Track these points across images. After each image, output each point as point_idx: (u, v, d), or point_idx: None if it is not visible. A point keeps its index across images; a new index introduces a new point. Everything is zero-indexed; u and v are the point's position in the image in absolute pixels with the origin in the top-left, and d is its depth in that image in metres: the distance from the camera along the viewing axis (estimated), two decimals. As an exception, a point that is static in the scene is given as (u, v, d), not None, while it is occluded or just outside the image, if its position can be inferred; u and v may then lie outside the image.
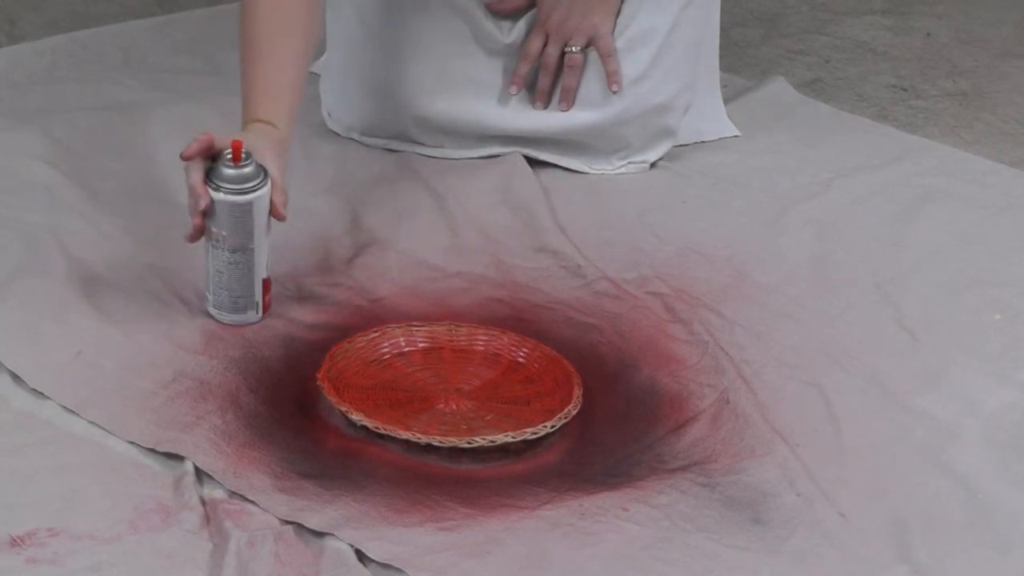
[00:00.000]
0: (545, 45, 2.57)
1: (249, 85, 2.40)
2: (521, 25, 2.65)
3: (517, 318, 2.29)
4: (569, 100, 2.56)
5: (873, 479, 2.05)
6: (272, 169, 2.29)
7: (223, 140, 2.24)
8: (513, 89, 2.59)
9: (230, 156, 2.18)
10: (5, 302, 2.25)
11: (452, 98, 2.61)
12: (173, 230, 2.33)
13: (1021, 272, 2.44)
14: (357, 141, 2.62)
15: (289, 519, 1.93)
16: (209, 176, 2.19)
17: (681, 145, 2.65)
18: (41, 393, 2.11)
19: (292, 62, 2.42)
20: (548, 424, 2.07)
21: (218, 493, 1.98)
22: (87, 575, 1.86)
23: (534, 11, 2.63)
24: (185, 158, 2.22)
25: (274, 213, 2.31)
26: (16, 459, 2.02)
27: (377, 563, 1.87)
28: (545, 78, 2.58)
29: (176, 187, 2.39)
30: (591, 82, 2.62)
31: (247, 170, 2.19)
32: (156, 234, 2.39)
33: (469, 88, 2.62)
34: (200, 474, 2.00)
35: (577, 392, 2.13)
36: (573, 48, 2.56)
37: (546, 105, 2.59)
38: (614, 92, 2.58)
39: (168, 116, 2.64)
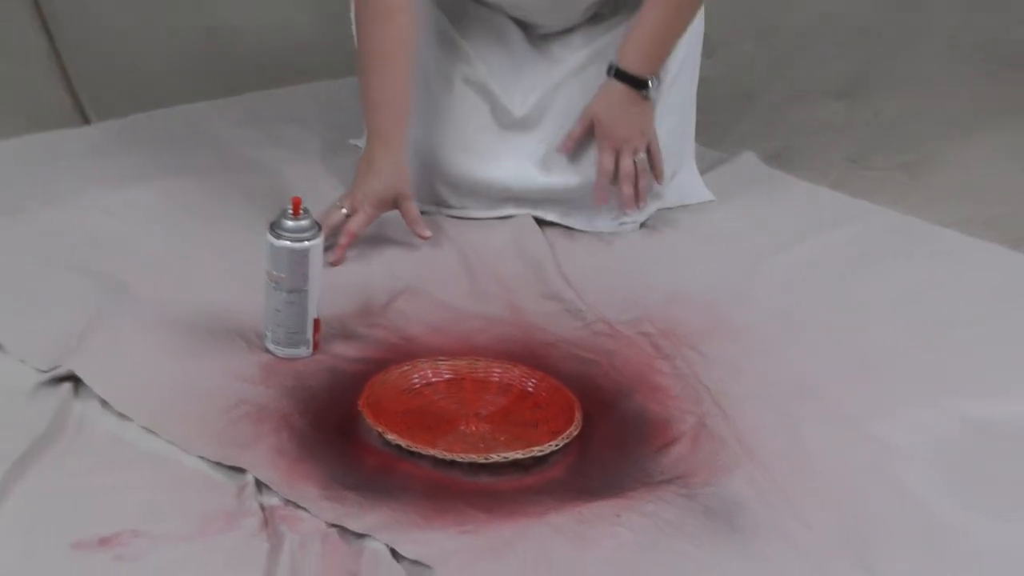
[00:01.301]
0: (615, 157, 2.54)
1: (371, 107, 2.51)
2: (530, 101, 2.63)
3: (528, 353, 2.29)
4: (644, 198, 2.57)
5: (833, 494, 2.06)
6: (408, 191, 2.46)
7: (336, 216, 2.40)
8: (600, 202, 2.56)
9: (291, 210, 2.21)
10: (94, 339, 2.23)
11: (474, 163, 2.60)
12: (235, 279, 2.37)
13: (960, 316, 2.43)
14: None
15: (334, 523, 1.94)
16: (273, 227, 2.22)
17: (666, 208, 2.66)
18: (125, 416, 2.12)
19: (401, 76, 2.50)
20: (553, 444, 2.08)
21: (274, 501, 1.99)
22: (163, 570, 1.88)
23: (544, 90, 2.63)
24: (359, 229, 2.41)
25: (413, 226, 2.49)
26: (104, 473, 2.03)
27: (409, 560, 1.89)
28: (629, 186, 2.54)
29: (237, 241, 2.43)
30: (593, 148, 2.60)
31: (304, 222, 2.21)
32: (221, 282, 2.39)
33: (488, 155, 2.60)
34: (259, 485, 2.01)
35: (578, 416, 2.14)
36: (638, 157, 2.54)
37: (636, 207, 2.58)
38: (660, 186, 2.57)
39: (231, 181, 2.62)
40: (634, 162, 2.53)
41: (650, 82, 2.50)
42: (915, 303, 2.45)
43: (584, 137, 2.56)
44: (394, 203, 2.48)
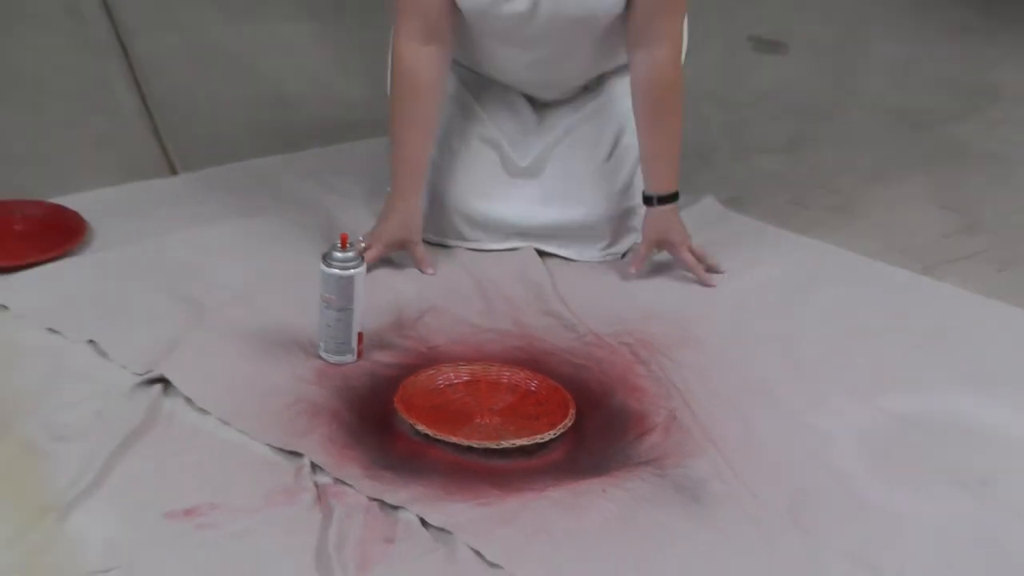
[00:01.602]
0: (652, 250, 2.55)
1: (397, 163, 2.50)
2: (532, 155, 2.60)
3: (531, 360, 2.29)
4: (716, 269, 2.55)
5: (776, 472, 2.07)
6: (415, 238, 2.49)
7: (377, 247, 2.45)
8: (633, 270, 2.54)
9: (339, 244, 2.22)
10: (180, 349, 2.25)
11: (487, 205, 2.58)
12: (295, 300, 2.36)
13: (879, 328, 2.43)
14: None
15: (374, 497, 1.96)
16: (325, 258, 2.22)
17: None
18: (204, 411, 2.13)
19: (423, 136, 2.50)
20: (551, 433, 2.10)
21: (325, 479, 2.00)
22: (236, 536, 1.89)
23: (543, 146, 2.60)
24: (373, 259, 2.41)
25: (420, 264, 2.51)
26: (187, 457, 2.05)
27: (435, 528, 1.91)
28: (701, 271, 2.52)
29: (297, 269, 2.43)
30: (584, 187, 2.59)
31: (350, 254, 2.22)
32: (284, 302, 2.39)
33: (498, 198, 2.58)
34: (313, 466, 2.02)
35: (572, 411, 2.15)
36: (694, 247, 2.53)
37: (713, 283, 2.53)
38: (713, 283, 2.54)
39: (292, 220, 2.63)
40: (691, 250, 2.52)
41: (679, 193, 2.50)
42: (843, 318, 2.45)
43: (649, 256, 2.54)
44: (402, 245, 2.48)
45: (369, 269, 2.29)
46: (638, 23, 2.41)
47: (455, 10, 2.41)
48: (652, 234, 2.52)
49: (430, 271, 2.49)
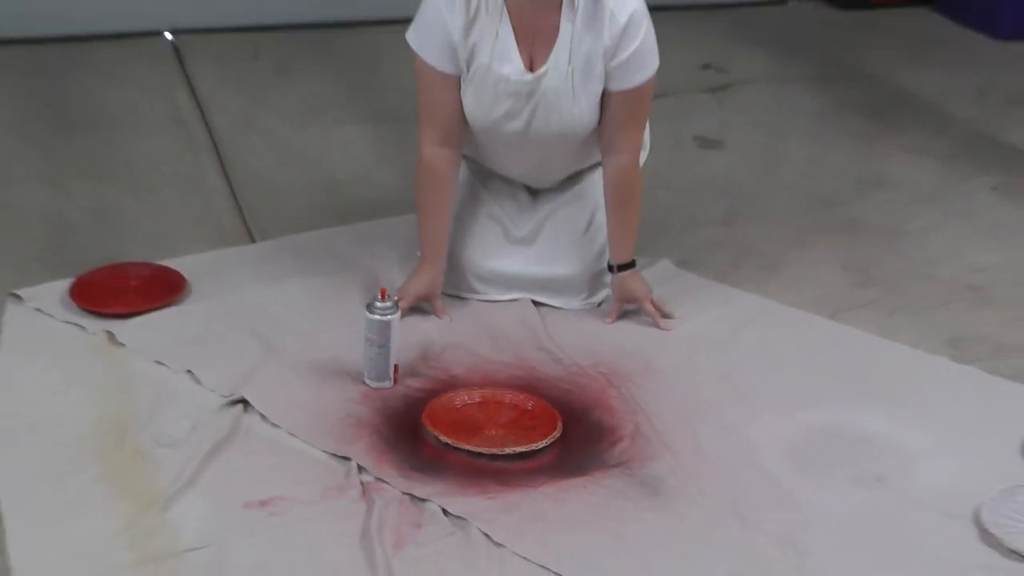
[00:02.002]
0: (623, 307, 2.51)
1: (423, 236, 2.48)
2: (527, 228, 2.56)
3: (528, 386, 2.28)
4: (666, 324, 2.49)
5: (718, 473, 2.07)
6: (436, 292, 2.47)
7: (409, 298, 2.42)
8: (608, 321, 2.49)
9: (380, 296, 2.22)
10: (257, 377, 2.24)
11: (492, 264, 2.54)
12: (347, 339, 2.33)
13: (795, 359, 2.40)
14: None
15: (407, 492, 1.98)
16: (368, 307, 2.22)
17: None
18: (276, 425, 2.13)
19: (443, 216, 2.47)
20: (544, 442, 2.11)
21: (368, 478, 2.02)
22: (299, 522, 1.90)
23: (536, 221, 2.56)
24: (405, 308, 2.35)
25: (438, 313, 2.47)
26: (261, 459, 2.06)
27: (453, 516, 1.91)
28: (659, 317, 2.48)
29: (348, 316, 2.40)
30: (568, 253, 2.54)
31: (388, 304, 2.23)
32: (338, 341, 2.36)
33: (500, 259, 2.54)
34: (359, 468, 2.04)
35: (559, 425, 2.15)
36: (654, 299, 2.50)
37: (668, 327, 2.48)
38: (668, 327, 2.49)
39: (344, 278, 2.59)
40: (646, 306, 2.49)
41: (636, 261, 2.50)
42: (768, 352, 2.44)
43: (620, 311, 2.51)
44: (426, 298, 2.47)
45: (402, 316, 2.28)
46: (607, 136, 2.41)
47: (466, 122, 2.41)
48: (620, 294, 2.50)
49: (446, 318, 2.47)
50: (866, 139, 3.48)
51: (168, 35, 4.01)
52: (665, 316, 2.50)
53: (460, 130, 2.43)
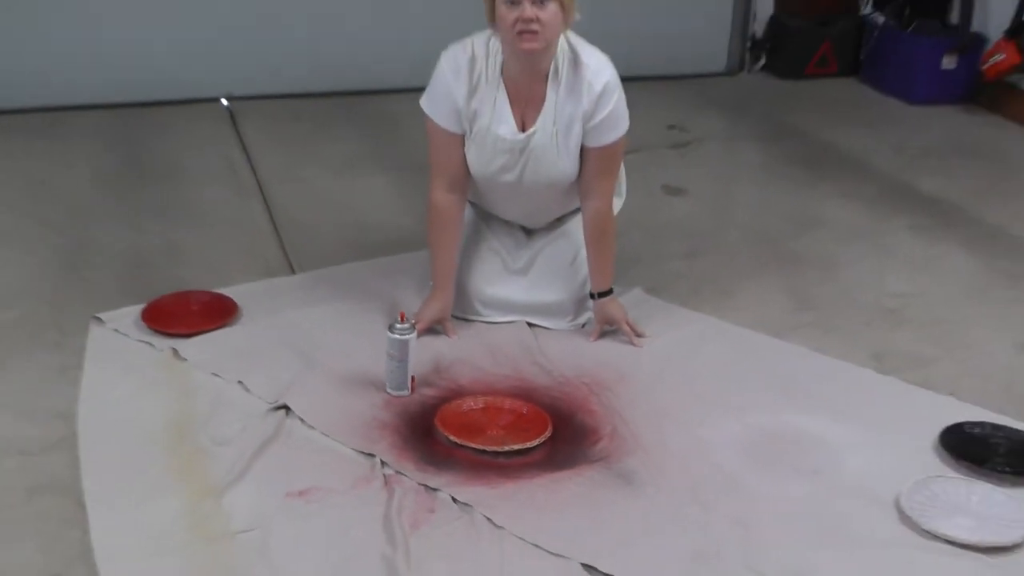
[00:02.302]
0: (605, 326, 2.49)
1: (435, 269, 2.46)
2: (523, 260, 2.54)
3: (523, 394, 2.27)
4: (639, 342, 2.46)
5: (682, 466, 2.07)
6: (447, 316, 2.44)
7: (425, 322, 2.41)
8: (592, 339, 2.47)
9: (399, 319, 2.22)
10: (297, 386, 2.24)
11: (493, 291, 2.51)
12: (372, 355, 2.33)
13: (745, 370, 2.38)
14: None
15: (422, 483, 1.97)
16: (389, 328, 2.22)
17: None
18: (313, 427, 2.12)
19: (452, 252, 2.46)
20: (537, 441, 2.11)
21: (390, 471, 2.02)
22: (332, 508, 1.90)
23: (530, 254, 2.54)
24: (420, 329, 2.34)
25: (447, 333, 2.45)
26: (300, 456, 2.05)
27: (461, 503, 1.91)
28: (633, 335, 2.46)
29: (374, 335, 2.38)
30: (557, 282, 2.51)
31: (406, 326, 2.22)
32: (365, 356, 2.35)
33: (500, 287, 2.52)
34: (382, 463, 2.03)
35: (550, 427, 2.15)
36: (629, 321, 2.48)
37: (640, 344, 2.45)
38: (640, 344, 2.45)
39: (371, 303, 2.57)
40: (624, 328, 2.47)
41: (613, 289, 2.49)
42: (723, 365, 2.43)
43: (601, 331, 2.48)
44: (438, 321, 2.46)
45: (418, 336, 2.28)
46: (585, 185, 2.40)
47: (470, 173, 2.42)
48: (600, 317, 2.48)
49: (455, 337, 2.46)
50: (804, 186, 3.48)
51: (224, 101, 4.04)
52: (638, 335, 2.50)
53: (465, 179, 2.44)
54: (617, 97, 2.33)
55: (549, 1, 2.16)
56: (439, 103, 2.34)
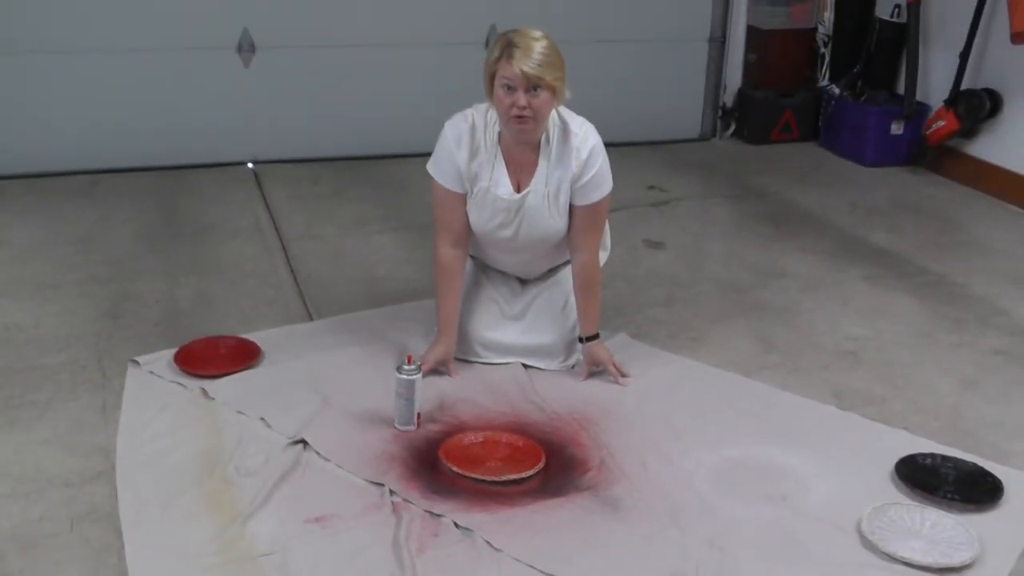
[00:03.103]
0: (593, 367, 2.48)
1: (439, 316, 2.45)
2: (518, 308, 2.54)
3: (519, 429, 2.26)
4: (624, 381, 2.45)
5: (663, 494, 2.06)
6: (450, 358, 2.41)
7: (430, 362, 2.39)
8: (581, 379, 2.45)
9: (407, 361, 2.22)
10: (315, 422, 2.24)
11: (491, 335, 2.50)
12: (383, 394, 2.32)
13: (718, 407, 2.37)
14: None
15: (427, 509, 1.97)
16: (398, 369, 2.22)
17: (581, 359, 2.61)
18: (328, 459, 2.12)
19: (455, 301, 2.44)
20: (531, 471, 2.10)
21: (398, 499, 2.02)
22: (348, 532, 1.90)
23: (525, 302, 2.54)
24: (426, 370, 2.34)
25: (450, 373, 2.42)
26: (317, 485, 2.03)
27: (462, 528, 1.90)
28: (618, 375, 2.45)
29: (385, 376, 2.38)
30: (549, 327, 2.50)
31: (413, 367, 2.22)
32: (376, 395, 2.34)
33: (498, 332, 2.51)
34: (391, 491, 2.02)
35: (543, 458, 2.14)
36: (615, 363, 2.47)
37: (624, 383, 2.44)
38: (625, 384, 2.44)
39: (381, 347, 2.56)
40: (608, 369, 2.47)
41: (600, 334, 2.49)
42: (698, 402, 2.42)
43: (589, 372, 2.47)
44: (442, 363, 2.45)
45: (424, 377, 2.28)
46: (573, 239, 2.42)
47: (471, 230, 2.44)
48: (588, 358, 2.48)
49: (457, 377, 2.46)
50: (769, 241, 3.50)
51: (250, 165, 4.06)
52: (623, 376, 2.50)
53: (467, 236, 2.46)
54: (602, 161, 2.36)
55: (542, 90, 2.20)
56: (443, 167, 2.37)
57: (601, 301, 2.52)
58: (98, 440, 2.15)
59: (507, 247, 2.46)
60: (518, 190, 2.37)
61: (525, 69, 2.15)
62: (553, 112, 2.32)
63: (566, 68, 2.23)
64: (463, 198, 2.39)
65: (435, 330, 2.51)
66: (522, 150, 2.34)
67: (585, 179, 2.34)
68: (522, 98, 2.19)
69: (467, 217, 2.41)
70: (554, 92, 2.22)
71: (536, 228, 2.39)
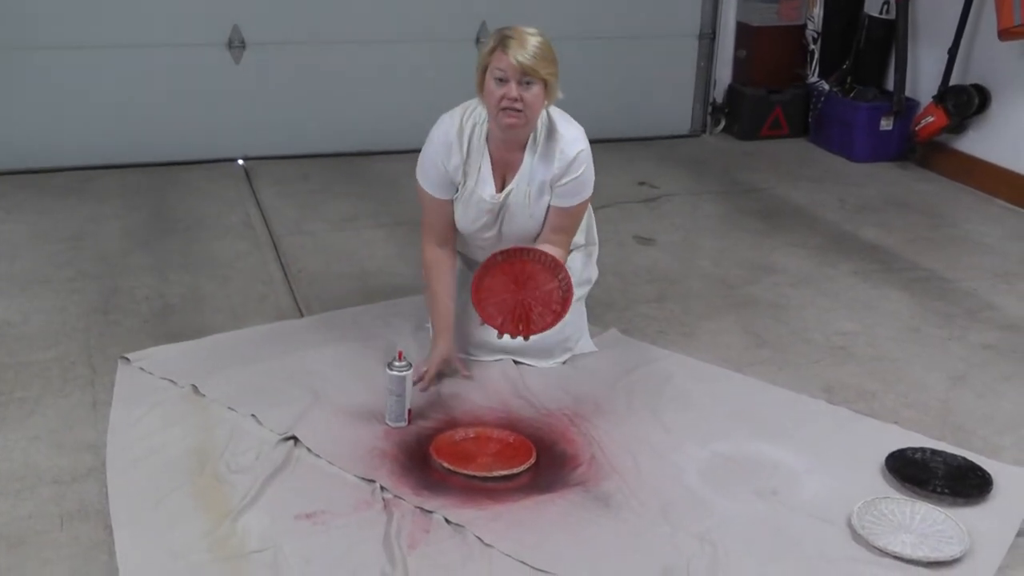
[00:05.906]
0: None
1: (433, 316, 2.44)
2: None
3: (509, 425, 2.26)
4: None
5: (654, 489, 2.07)
6: (453, 357, 2.38)
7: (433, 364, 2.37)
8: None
9: (397, 357, 2.21)
10: (306, 419, 2.23)
11: (483, 335, 2.47)
12: (373, 390, 2.33)
13: (709, 402, 2.38)
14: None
15: (418, 506, 1.97)
16: (388, 365, 2.21)
17: (575, 355, 2.55)
18: (319, 456, 2.11)
19: (447, 299, 2.42)
20: (522, 467, 2.10)
21: (389, 496, 2.01)
22: (339, 528, 1.89)
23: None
24: (430, 379, 2.35)
25: (461, 371, 2.40)
26: (308, 482, 2.02)
27: (454, 524, 1.90)
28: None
29: (374, 373, 2.39)
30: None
31: (403, 363, 2.22)
32: (367, 391, 2.34)
33: (489, 330, 2.44)
34: (382, 488, 2.01)
35: (534, 454, 2.14)
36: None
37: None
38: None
39: (371, 344, 2.56)
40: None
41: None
42: (689, 397, 2.43)
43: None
44: (446, 365, 2.43)
45: (430, 385, 2.31)
46: (543, 236, 2.40)
47: (456, 229, 2.44)
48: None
49: (467, 374, 2.43)
50: (759, 236, 3.51)
51: (240, 161, 4.05)
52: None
53: (452, 234, 2.46)
54: (586, 167, 2.34)
55: (535, 83, 2.19)
56: (429, 174, 2.38)
57: (588, 294, 2.52)
58: (88, 437, 2.14)
59: (491, 245, 2.45)
60: (501, 188, 2.37)
61: (520, 59, 2.15)
62: (543, 113, 2.31)
63: (558, 67, 2.24)
64: (449, 202, 2.40)
65: (427, 327, 2.54)
66: (509, 149, 2.34)
67: (565, 180, 2.33)
68: (513, 89, 2.18)
69: (453, 218, 2.42)
70: (546, 87, 2.21)
71: (516, 225, 2.40)
